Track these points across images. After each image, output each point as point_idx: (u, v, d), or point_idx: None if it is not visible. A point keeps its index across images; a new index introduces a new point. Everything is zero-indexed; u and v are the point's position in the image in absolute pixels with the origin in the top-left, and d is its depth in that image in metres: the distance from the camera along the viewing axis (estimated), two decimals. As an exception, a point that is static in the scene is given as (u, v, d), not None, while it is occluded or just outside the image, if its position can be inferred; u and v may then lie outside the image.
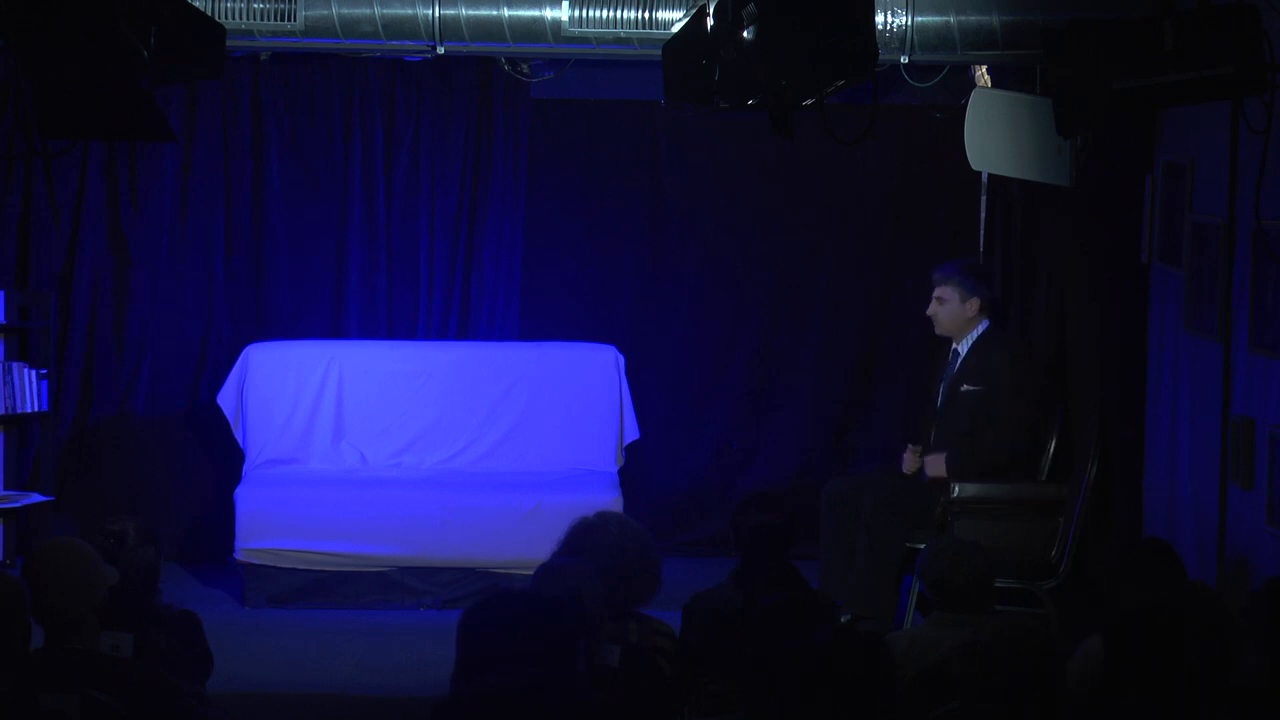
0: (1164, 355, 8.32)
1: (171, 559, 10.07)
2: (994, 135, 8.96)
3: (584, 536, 6.35)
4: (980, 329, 9.12)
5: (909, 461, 9.14)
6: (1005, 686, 4.86)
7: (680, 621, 6.57)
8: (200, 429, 10.57)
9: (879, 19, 8.32)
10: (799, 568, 7.18)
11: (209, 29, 6.83)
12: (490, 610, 4.77)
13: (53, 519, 10.17)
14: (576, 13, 8.49)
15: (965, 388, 9.04)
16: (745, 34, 6.49)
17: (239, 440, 10.19)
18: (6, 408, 9.99)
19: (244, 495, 9.72)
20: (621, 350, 10.37)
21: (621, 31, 8.51)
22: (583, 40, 8.60)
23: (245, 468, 10.10)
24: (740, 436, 10.88)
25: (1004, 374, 8.98)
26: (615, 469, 10.15)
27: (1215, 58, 5.97)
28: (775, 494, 9.55)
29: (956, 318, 9.10)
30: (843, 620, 8.63)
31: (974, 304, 9.10)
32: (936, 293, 9.12)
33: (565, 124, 10.77)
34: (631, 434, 10.28)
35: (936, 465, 8.98)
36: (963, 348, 9.14)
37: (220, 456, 10.42)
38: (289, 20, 8.48)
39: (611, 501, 9.43)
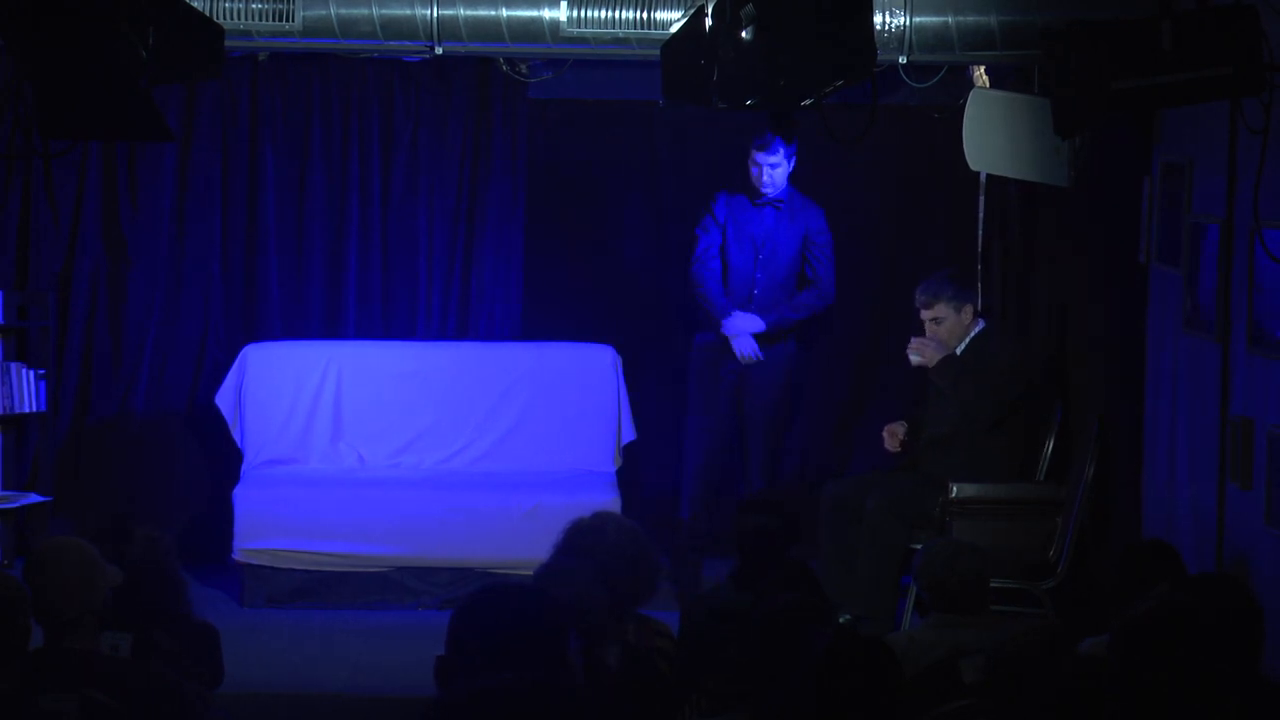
0: (1163, 355, 8.31)
1: (170, 559, 10.06)
2: (992, 135, 8.96)
3: (581, 537, 6.34)
4: (976, 329, 9.12)
5: (891, 439, 9.15)
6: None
7: (680, 621, 6.57)
8: (199, 429, 10.56)
9: (877, 19, 8.32)
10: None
11: (208, 29, 6.83)
12: (482, 607, 4.74)
13: (52, 519, 10.16)
14: (575, 13, 8.48)
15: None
16: (744, 34, 6.49)
17: (237, 440, 10.19)
18: (5, 408, 9.98)
19: (242, 495, 9.71)
20: (621, 350, 10.36)
21: (620, 32, 8.51)
22: (581, 40, 8.59)
23: (244, 468, 10.09)
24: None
25: (1002, 357, 8.99)
26: (614, 469, 10.15)
27: (1214, 58, 5.97)
28: (775, 495, 9.60)
29: (956, 330, 9.07)
30: (842, 620, 8.63)
31: (969, 310, 9.10)
32: (929, 315, 9.06)
33: (564, 124, 10.77)
34: (628, 435, 10.27)
35: (933, 352, 8.95)
36: (959, 350, 9.13)
37: (219, 456, 10.41)
38: (288, 20, 8.47)
39: (610, 502, 9.42)
